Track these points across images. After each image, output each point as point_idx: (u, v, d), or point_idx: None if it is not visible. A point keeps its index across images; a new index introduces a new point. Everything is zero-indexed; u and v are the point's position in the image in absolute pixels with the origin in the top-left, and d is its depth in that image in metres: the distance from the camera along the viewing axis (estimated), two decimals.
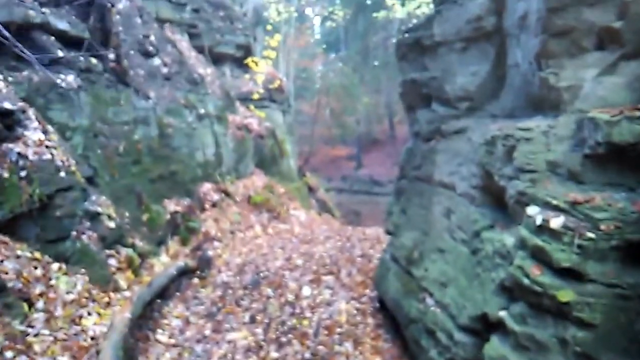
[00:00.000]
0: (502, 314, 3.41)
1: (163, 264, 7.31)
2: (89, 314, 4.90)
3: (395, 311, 5.26)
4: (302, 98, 35.47)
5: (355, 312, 6.43)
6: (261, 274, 7.85)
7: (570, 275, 2.89)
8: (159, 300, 6.19)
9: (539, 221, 3.11)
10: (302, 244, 10.52)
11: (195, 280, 7.38)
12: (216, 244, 8.93)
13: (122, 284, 5.94)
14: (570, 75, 3.51)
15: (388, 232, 6.18)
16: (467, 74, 5.07)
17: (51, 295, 4.73)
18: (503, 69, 4.76)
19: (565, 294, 2.87)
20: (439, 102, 5.38)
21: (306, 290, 7.20)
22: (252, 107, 13.90)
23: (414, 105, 5.94)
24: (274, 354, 5.42)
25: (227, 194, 10.65)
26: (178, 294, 6.81)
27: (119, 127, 7.72)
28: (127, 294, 5.80)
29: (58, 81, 6.47)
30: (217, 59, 14.24)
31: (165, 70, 9.87)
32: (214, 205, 9.80)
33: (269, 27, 16.45)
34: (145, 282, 6.10)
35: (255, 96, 14.10)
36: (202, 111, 10.74)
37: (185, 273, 7.33)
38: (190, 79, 10.75)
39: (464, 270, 4.21)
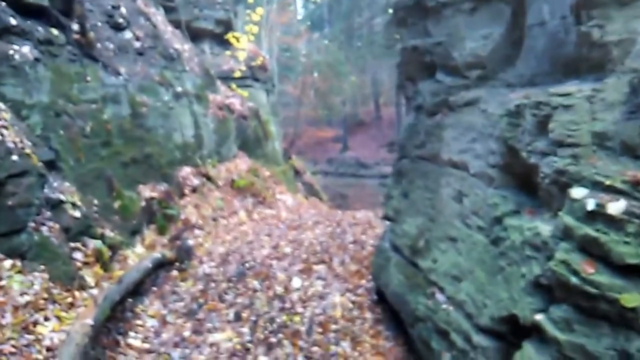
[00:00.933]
0: (539, 317, 2.83)
1: (138, 256, 6.63)
2: (47, 319, 4.22)
3: (398, 306, 4.68)
4: (285, 79, 34.50)
5: (351, 305, 5.84)
6: (247, 264, 7.22)
7: (637, 274, 2.30)
8: (130, 299, 5.53)
9: (590, 206, 2.51)
10: (290, 230, 9.89)
11: (174, 273, 6.73)
12: (197, 232, 8.26)
13: (89, 280, 5.25)
14: (620, 28, 2.89)
15: (387, 218, 5.57)
16: (477, 38, 4.44)
17: (0, 299, 4.04)
18: (520, 31, 4.14)
19: (631, 298, 2.28)
20: (445, 71, 4.75)
21: (296, 282, 6.59)
22: (233, 85, 13.12)
23: (414, 76, 5.31)
24: (263, 358, 4.82)
25: (209, 178, 9.95)
26: (154, 289, 6.15)
27: (85, 106, 6.95)
28: (95, 292, 5.12)
29: (10, 52, 5.69)
30: (195, 35, 13.40)
31: (137, 44, 9.06)
32: (194, 190, 9.10)
33: (250, 0, 15.56)
34: (115, 278, 5.42)
35: (237, 74, 13.30)
36: (179, 89, 9.97)
37: (162, 265, 6.67)
38: (166, 55, 9.95)
39: (482, 263, 3.61)
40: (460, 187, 4.08)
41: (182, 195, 8.79)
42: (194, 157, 9.91)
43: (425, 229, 4.45)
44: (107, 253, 5.80)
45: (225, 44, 14.06)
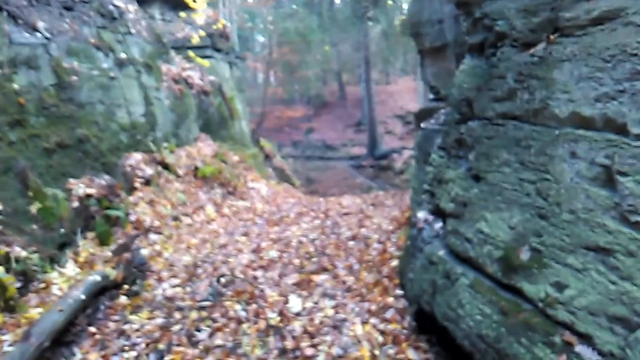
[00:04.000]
0: None
1: (68, 281, 4.66)
2: None
3: (483, 356, 2.93)
4: (245, 50, 31.91)
5: (381, 338, 4.06)
6: (222, 279, 5.35)
7: None
8: (49, 356, 3.58)
9: None
10: (270, 225, 8.04)
11: (122, 300, 4.78)
12: (153, 237, 6.30)
13: None
14: None
15: (438, 212, 3.79)
16: None
17: None
18: None
19: None
20: None
21: (295, 303, 4.77)
22: (191, 54, 11.02)
23: None
24: None
25: (166, 166, 7.95)
26: (91, 329, 4.20)
27: None
28: None
29: None
30: None
31: None
32: (147, 182, 7.11)
33: None
34: (26, 325, 3.46)
35: (195, 40, 11.19)
36: (123, 56, 7.88)
37: (104, 290, 4.72)
38: (104, 12, 7.82)
39: None
40: (609, 160, 2.33)
41: (132, 189, 6.79)
42: (146, 140, 7.88)
43: (529, 232, 2.71)
44: (12, 286, 3.81)
45: (179, 8, 11.91)
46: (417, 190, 6.00)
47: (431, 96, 6.35)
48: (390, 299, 4.57)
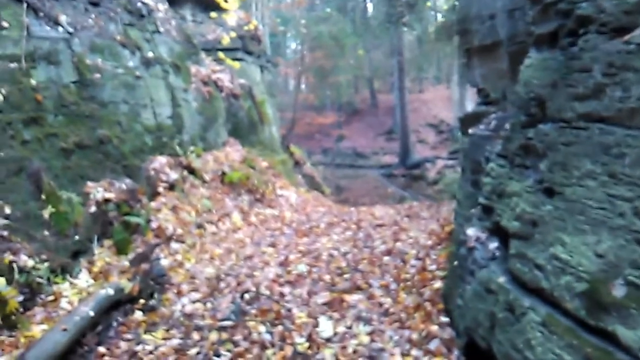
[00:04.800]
0: None
1: (80, 293, 4.27)
2: None
3: None
4: (277, 55, 31.54)
5: None
6: (246, 295, 4.90)
7: None
8: None
9: None
10: (299, 236, 7.57)
11: (137, 316, 4.37)
12: (175, 246, 5.89)
13: None
14: None
15: (496, 231, 3.25)
16: None
17: None
18: None
19: None
20: None
21: (325, 326, 4.27)
22: (222, 55, 10.69)
23: None
24: None
25: (192, 171, 7.58)
26: (101, 349, 3.79)
27: None
28: None
29: None
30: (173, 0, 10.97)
31: None
32: (171, 187, 6.73)
33: None
34: (21, 350, 3.06)
35: (226, 40, 10.86)
36: (150, 55, 7.56)
37: (118, 305, 4.32)
38: (132, 9, 7.53)
39: None
40: None
41: (155, 194, 6.42)
42: (172, 143, 7.53)
43: (624, 262, 2.16)
44: (14, 300, 3.43)
45: (210, 9, 11.62)
46: (462, 204, 5.44)
47: (479, 100, 5.79)
48: (434, 327, 4.02)
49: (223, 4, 10.94)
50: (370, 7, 38.07)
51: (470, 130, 5.21)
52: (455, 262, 4.23)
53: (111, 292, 4.17)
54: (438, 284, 4.75)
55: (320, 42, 26.16)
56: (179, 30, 9.44)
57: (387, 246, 6.83)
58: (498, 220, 3.18)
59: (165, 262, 5.44)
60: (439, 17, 30.05)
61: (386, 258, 6.25)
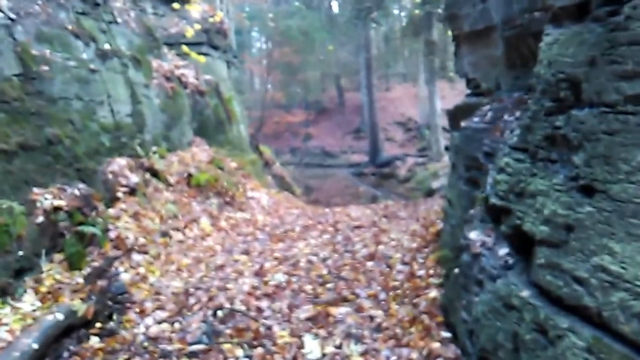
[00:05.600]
0: None
1: (22, 319, 3.64)
2: None
3: None
4: (242, 52, 30.68)
5: None
6: (219, 312, 4.34)
7: None
8: None
9: None
10: (274, 241, 7.04)
11: (94, 342, 3.76)
12: (137, 257, 5.27)
13: None
14: None
15: (516, 236, 2.78)
16: None
17: None
18: None
19: None
20: None
21: (312, 346, 3.76)
22: (185, 48, 10.01)
23: None
24: None
25: (155, 173, 6.95)
26: None
27: None
28: None
29: None
30: None
31: None
32: (131, 192, 6.09)
33: None
34: None
35: (190, 33, 10.19)
36: (107, 47, 6.89)
37: (70, 331, 3.70)
38: None
39: None
40: None
41: (113, 200, 5.77)
42: (132, 143, 6.88)
43: None
44: None
45: (172, 1, 10.93)
46: (454, 204, 5.02)
47: (468, 91, 5.39)
48: (436, 345, 3.56)
49: None
50: (335, 5, 37.69)
51: (462, 124, 4.79)
52: (456, 270, 3.79)
53: (61, 317, 3.56)
54: (434, 293, 4.30)
55: (289, 36, 25.49)
56: (138, 22, 8.76)
57: (369, 250, 6.38)
58: (518, 224, 2.73)
59: (125, 276, 4.82)
60: (403, 14, 29.89)
61: (370, 263, 5.80)
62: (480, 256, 3.37)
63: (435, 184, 15.08)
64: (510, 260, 3.04)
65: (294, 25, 25.50)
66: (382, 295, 4.66)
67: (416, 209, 10.12)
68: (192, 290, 4.91)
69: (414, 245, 6.35)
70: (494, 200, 3.06)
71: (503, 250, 3.20)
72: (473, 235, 3.65)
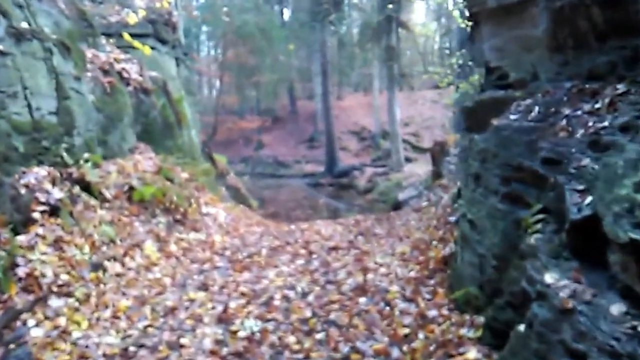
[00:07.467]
0: None
1: None
2: None
3: None
4: (192, 51, 28.78)
5: None
6: None
7: None
8: None
9: None
10: (238, 269, 5.75)
11: None
12: (56, 303, 3.85)
13: None
14: None
15: (620, 287, 1.70)
16: None
17: None
18: None
19: None
20: None
21: None
22: (127, 36, 8.51)
23: None
24: None
25: (86, 186, 5.50)
26: None
27: None
28: None
29: None
30: None
31: None
32: (53, 211, 4.64)
33: None
34: None
35: (133, 20, 8.74)
36: (24, 25, 5.42)
37: None
38: None
39: None
40: None
41: (26, 223, 4.31)
42: (57, 149, 5.42)
43: None
44: None
45: None
46: (482, 228, 3.89)
47: (485, 83, 4.32)
48: None
49: None
50: (286, 12, 36.56)
51: (495, 123, 3.70)
52: (520, 327, 2.66)
53: None
54: (473, 354, 3.14)
55: (245, 33, 23.96)
56: (70, 5, 7.27)
57: (356, 280, 5.22)
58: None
59: (37, 333, 3.42)
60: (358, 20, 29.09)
61: (362, 300, 4.64)
62: (574, 313, 2.25)
63: (402, 196, 14.10)
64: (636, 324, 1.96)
65: (251, 20, 23.99)
66: (395, 353, 3.47)
67: (392, 225, 9.06)
68: (132, 349, 3.56)
69: (412, 274, 5.23)
70: (631, 234, 1.93)
71: (617, 308, 2.12)
72: (550, 278, 2.55)
